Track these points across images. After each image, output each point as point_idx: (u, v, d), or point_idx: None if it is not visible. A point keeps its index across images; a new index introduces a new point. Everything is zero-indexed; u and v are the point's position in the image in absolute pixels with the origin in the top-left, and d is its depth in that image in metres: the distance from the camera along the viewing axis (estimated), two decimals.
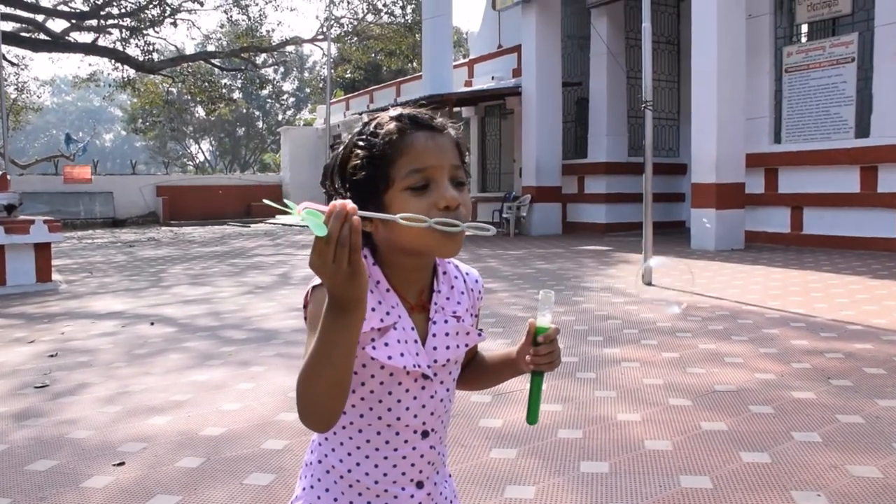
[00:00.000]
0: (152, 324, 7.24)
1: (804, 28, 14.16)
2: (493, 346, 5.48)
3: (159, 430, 4.01)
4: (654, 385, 4.63)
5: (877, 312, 6.82)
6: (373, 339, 1.21)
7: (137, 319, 7.51)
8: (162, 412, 4.33)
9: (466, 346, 1.33)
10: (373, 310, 1.22)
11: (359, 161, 1.22)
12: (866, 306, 7.14)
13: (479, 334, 1.36)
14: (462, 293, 1.36)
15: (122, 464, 3.50)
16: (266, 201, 1.23)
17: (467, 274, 1.40)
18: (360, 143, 1.24)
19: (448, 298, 1.33)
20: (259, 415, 4.22)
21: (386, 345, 1.22)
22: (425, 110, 1.28)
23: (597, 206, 18.16)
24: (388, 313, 1.23)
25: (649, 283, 8.83)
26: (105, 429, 4.05)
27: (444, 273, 1.34)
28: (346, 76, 36.76)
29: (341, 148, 1.30)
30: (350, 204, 1.01)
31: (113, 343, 6.39)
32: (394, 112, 1.26)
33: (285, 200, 1.06)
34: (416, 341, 1.26)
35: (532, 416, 1.37)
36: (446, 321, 1.31)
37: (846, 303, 7.35)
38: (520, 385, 4.60)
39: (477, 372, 1.49)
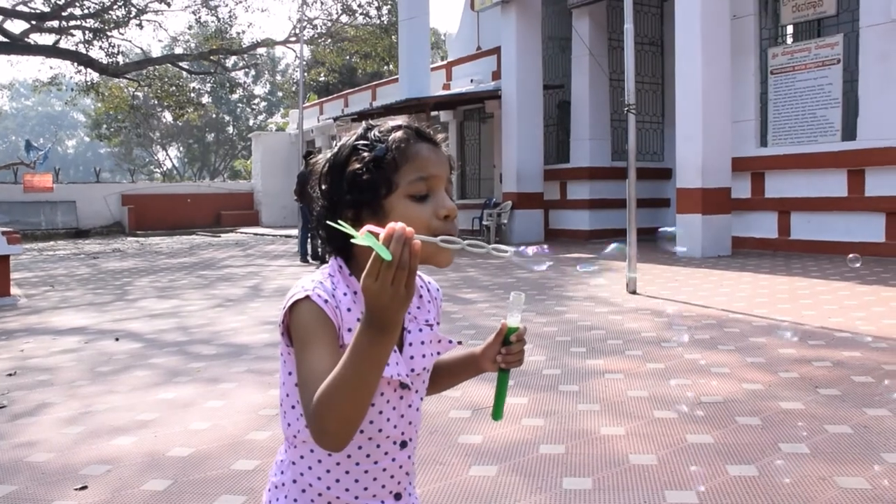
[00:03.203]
0: (117, 339, 7.18)
1: (789, 29, 14.35)
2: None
3: (124, 451, 3.97)
4: (639, 397, 4.66)
5: (865, 319, 6.90)
6: None
7: (101, 335, 7.45)
8: (127, 432, 4.30)
9: (438, 353, 1.39)
10: (357, 320, 1.25)
11: (362, 163, 1.27)
12: (855, 313, 7.23)
13: (451, 342, 1.41)
14: (429, 302, 1.42)
15: (84, 488, 3.47)
16: (337, 225, 1.21)
17: (429, 283, 1.45)
18: (364, 146, 1.29)
19: (419, 308, 1.38)
20: (229, 434, 4.20)
21: None
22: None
23: (580, 212, 18.24)
24: None
25: (634, 292, 8.88)
26: (67, 451, 4.01)
27: None
28: (320, 79, 36.73)
29: (333, 152, 1.33)
30: (408, 227, 1.03)
31: (75, 360, 6.33)
32: (395, 122, 1.32)
33: (340, 221, 1.11)
34: (394, 350, 1.29)
35: (498, 413, 1.47)
36: (420, 329, 1.36)
37: (834, 310, 7.43)
38: None
39: (434, 376, 1.51)
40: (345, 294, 1.27)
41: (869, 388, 4.69)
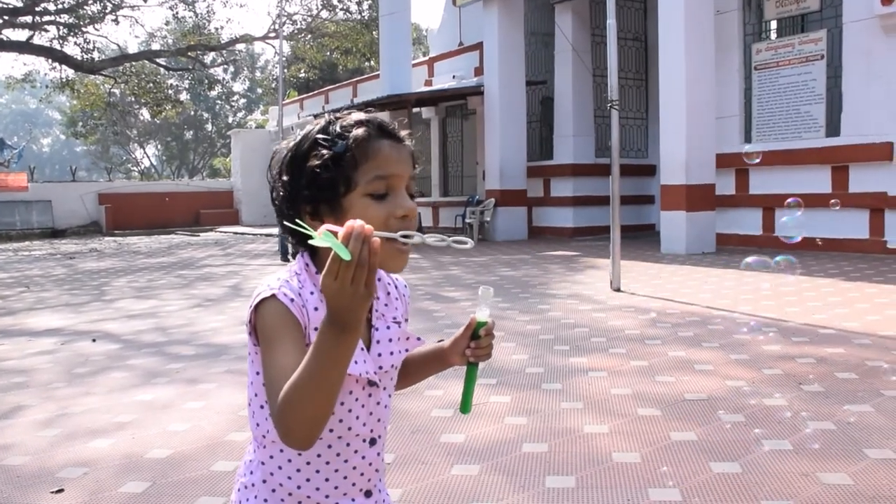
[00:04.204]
0: (94, 340, 7.14)
1: (773, 25, 14.45)
2: None
3: (101, 453, 3.96)
4: (623, 395, 4.69)
5: (849, 315, 6.97)
6: None
7: (78, 336, 7.40)
8: (104, 434, 4.28)
9: (406, 350, 1.40)
10: None
11: (321, 161, 1.25)
12: (838, 309, 7.30)
13: (418, 339, 1.43)
14: (396, 299, 1.43)
15: (60, 491, 3.45)
16: (299, 224, 1.22)
17: (396, 279, 1.47)
18: (325, 142, 1.27)
19: (387, 305, 1.39)
20: (208, 435, 4.19)
21: None
22: (384, 119, 1.34)
23: (563, 209, 18.30)
24: None
25: (618, 289, 8.92)
26: (43, 454, 3.99)
27: (379, 280, 1.40)
28: (300, 76, 36.64)
29: (295, 141, 1.32)
30: (367, 225, 1.03)
31: (51, 362, 6.29)
32: (358, 116, 1.31)
33: (298, 221, 1.11)
34: (362, 349, 1.30)
35: (466, 406, 1.47)
36: (388, 327, 1.37)
37: (818, 306, 7.50)
38: (482, 398, 4.62)
39: (402, 371, 1.53)
40: (311, 293, 1.27)
41: (852, 385, 4.74)
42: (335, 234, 1.03)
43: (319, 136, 1.29)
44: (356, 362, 1.27)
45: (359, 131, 1.27)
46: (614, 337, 6.44)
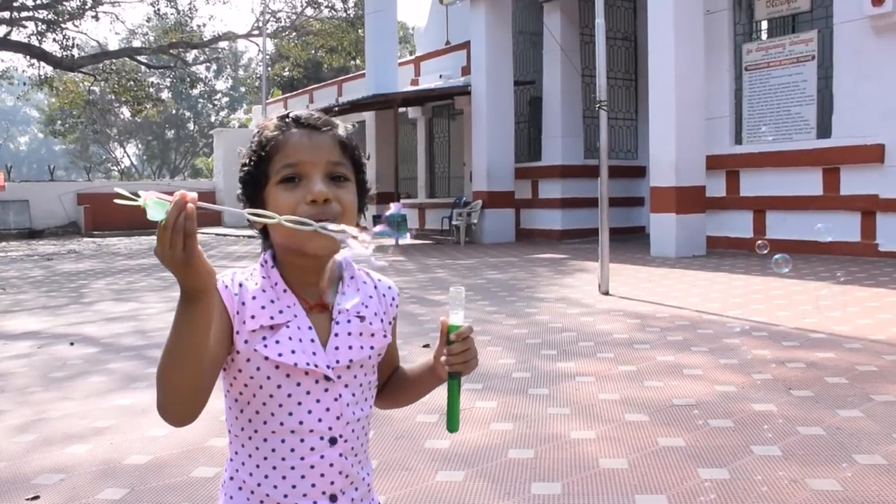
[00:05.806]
0: (72, 344, 7.10)
1: (764, 25, 14.55)
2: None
3: (79, 459, 3.94)
4: (610, 400, 4.70)
5: (839, 319, 7.02)
6: (263, 338, 1.29)
7: (55, 339, 7.36)
8: (82, 440, 4.25)
9: (372, 347, 1.38)
10: (262, 308, 1.30)
11: (246, 160, 1.35)
12: (829, 313, 7.35)
13: (385, 336, 1.42)
14: (370, 297, 1.42)
15: (36, 497, 3.43)
16: (117, 189, 1.23)
17: (379, 280, 1.47)
18: (250, 146, 1.37)
19: (352, 301, 1.39)
20: (188, 440, 4.17)
21: (277, 342, 1.29)
22: (317, 113, 1.39)
23: (552, 211, 18.33)
24: (280, 312, 1.31)
25: (606, 293, 8.95)
26: (18, 460, 3.96)
27: (352, 278, 1.41)
28: (284, 74, 36.53)
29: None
30: (190, 194, 1.09)
31: (28, 366, 6.25)
32: (281, 115, 1.38)
33: (138, 192, 1.14)
34: (312, 341, 1.32)
35: (452, 424, 1.39)
36: (349, 321, 1.37)
37: (809, 310, 7.55)
38: (468, 403, 4.63)
39: (398, 386, 1.54)
40: (256, 284, 1.33)
41: (842, 390, 4.77)
42: (168, 202, 1.09)
43: (250, 143, 1.38)
44: (294, 352, 1.29)
45: (270, 127, 1.36)
46: (602, 341, 6.46)
